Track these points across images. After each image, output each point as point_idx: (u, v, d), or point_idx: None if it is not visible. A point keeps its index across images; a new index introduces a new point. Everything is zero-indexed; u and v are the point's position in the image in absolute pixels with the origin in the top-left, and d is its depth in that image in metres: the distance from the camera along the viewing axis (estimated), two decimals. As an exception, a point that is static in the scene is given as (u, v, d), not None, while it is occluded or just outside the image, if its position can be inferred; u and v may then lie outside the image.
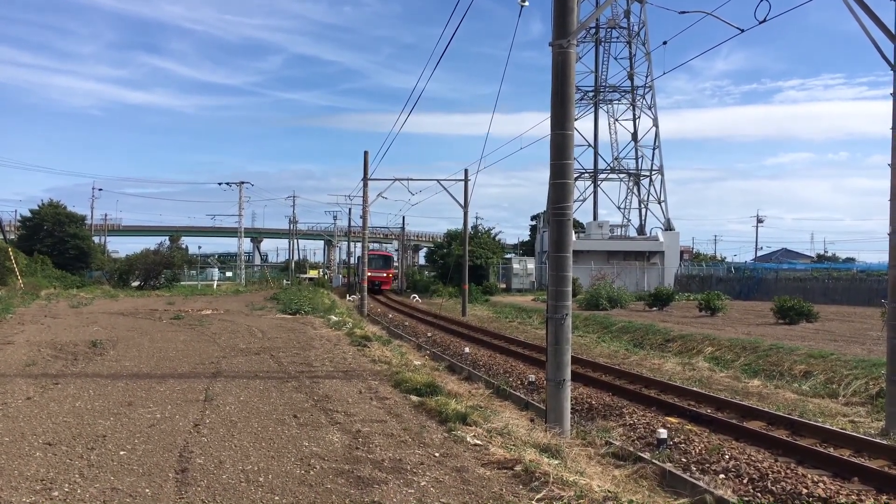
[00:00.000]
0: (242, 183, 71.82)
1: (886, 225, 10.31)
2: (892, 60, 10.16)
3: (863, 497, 7.00)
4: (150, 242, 65.69)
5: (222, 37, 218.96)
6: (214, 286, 57.59)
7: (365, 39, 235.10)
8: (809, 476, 7.68)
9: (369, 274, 50.88)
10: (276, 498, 5.76)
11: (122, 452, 7.00)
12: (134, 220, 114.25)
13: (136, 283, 52.50)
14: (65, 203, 59.18)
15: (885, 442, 9.34)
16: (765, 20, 10.06)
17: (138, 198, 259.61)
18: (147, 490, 5.87)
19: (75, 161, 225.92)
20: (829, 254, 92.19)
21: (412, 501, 5.70)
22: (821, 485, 7.35)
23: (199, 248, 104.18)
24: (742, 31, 10.97)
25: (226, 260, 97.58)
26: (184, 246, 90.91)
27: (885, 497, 7.14)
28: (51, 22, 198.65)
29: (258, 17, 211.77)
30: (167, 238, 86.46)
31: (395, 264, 70.58)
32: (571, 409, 9.86)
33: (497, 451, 7.21)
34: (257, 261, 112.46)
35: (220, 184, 69.93)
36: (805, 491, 7.20)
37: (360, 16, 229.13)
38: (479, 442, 7.72)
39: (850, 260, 76.15)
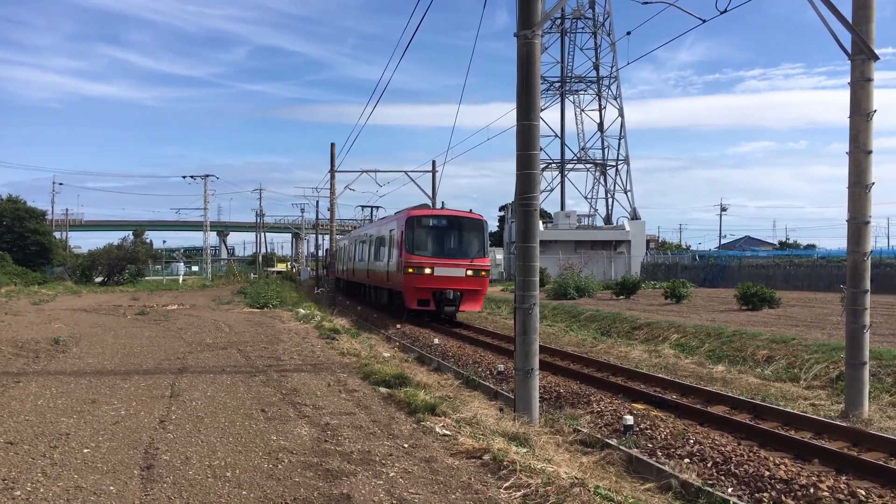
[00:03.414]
0: (207, 176, 71.24)
1: (846, 212, 10.52)
2: (849, 50, 10.35)
3: (823, 478, 7.15)
4: (114, 237, 64.83)
5: (184, 28, 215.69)
6: (180, 281, 56.88)
7: (330, 30, 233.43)
8: (772, 459, 7.84)
9: (425, 270, 22.43)
10: (244, 492, 5.72)
11: (85, 450, 6.89)
12: (96, 215, 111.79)
13: (99, 279, 51.70)
14: (24, 198, 58.21)
15: (844, 424, 9.58)
16: (725, 11, 10.19)
17: (100, 192, 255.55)
18: (112, 488, 5.79)
19: (34, 155, 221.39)
20: (791, 241, 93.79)
21: (381, 493, 5.70)
22: (782, 467, 7.51)
23: (164, 242, 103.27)
24: (704, 21, 11.09)
25: (191, 254, 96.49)
26: (148, 240, 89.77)
27: (844, 478, 7.31)
28: (7, 13, 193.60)
29: (220, 7, 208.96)
30: (131, 233, 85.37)
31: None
32: (540, 397, 9.93)
33: (466, 441, 7.23)
34: (224, 255, 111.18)
35: (184, 177, 69.35)
36: (767, 473, 7.35)
37: (324, 6, 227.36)
38: (447, 432, 7.74)
39: (811, 247, 77.57)
